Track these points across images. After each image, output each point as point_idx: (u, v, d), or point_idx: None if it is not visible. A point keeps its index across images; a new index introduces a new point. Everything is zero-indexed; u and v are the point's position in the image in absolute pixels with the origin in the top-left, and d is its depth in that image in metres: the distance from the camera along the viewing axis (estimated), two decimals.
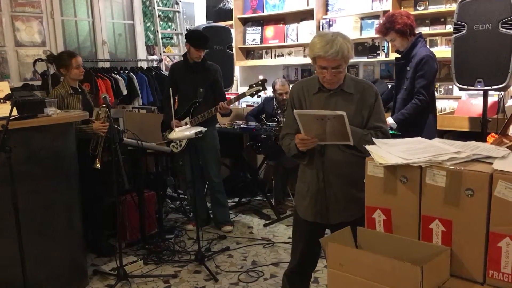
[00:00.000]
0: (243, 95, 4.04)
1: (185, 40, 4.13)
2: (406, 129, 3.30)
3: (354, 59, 5.15)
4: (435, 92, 3.60)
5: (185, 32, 5.72)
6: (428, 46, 4.52)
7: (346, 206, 2.23)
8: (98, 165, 3.50)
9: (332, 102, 2.19)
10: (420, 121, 3.36)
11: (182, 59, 4.28)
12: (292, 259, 2.50)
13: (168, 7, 6.28)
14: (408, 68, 3.36)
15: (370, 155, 2.19)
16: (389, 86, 3.99)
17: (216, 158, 4.28)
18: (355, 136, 2.08)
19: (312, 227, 2.32)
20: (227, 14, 6.05)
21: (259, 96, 4.06)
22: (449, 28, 4.27)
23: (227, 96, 4.42)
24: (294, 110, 2.05)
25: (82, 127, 3.52)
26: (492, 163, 1.51)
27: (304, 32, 5.41)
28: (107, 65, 5.43)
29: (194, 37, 4.08)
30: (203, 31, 5.17)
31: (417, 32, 3.47)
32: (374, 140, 1.87)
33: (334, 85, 2.18)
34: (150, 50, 6.09)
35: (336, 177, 2.22)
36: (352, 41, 2.16)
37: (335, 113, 1.96)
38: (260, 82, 3.94)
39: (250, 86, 3.97)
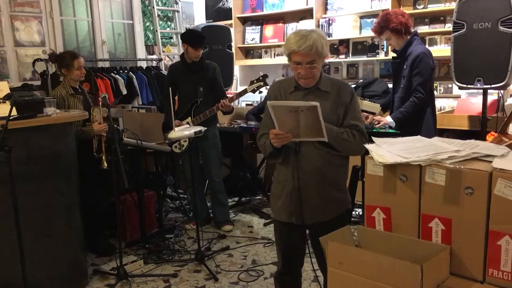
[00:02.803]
0: (245, 91, 4.03)
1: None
2: (404, 127, 3.31)
3: (353, 58, 5.16)
4: (434, 90, 3.60)
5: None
6: (427, 45, 4.53)
7: (321, 205, 2.23)
8: (106, 165, 3.50)
9: (308, 99, 2.17)
10: (418, 118, 3.36)
11: (179, 59, 4.28)
12: (278, 262, 2.49)
13: (168, 6, 6.28)
14: (405, 67, 3.37)
15: (344, 153, 2.20)
16: (389, 86, 3.99)
17: (217, 158, 4.28)
18: (331, 134, 2.08)
19: (288, 227, 2.31)
20: (227, 14, 6.05)
21: (260, 92, 4.05)
22: (449, 26, 4.27)
23: (227, 95, 4.42)
24: (268, 102, 2.04)
25: (83, 129, 3.53)
26: (491, 162, 1.51)
27: None
28: (107, 64, 5.42)
29: (191, 36, 4.08)
30: (203, 31, 5.18)
31: (413, 30, 3.48)
32: (374, 139, 1.87)
33: (309, 82, 2.18)
34: (149, 49, 6.09)
35: (311, 176, 2.20)
36: (327, 39, 2.17)
37: (308, 103, 1.96)
38: (261, 77, 3.94)
39: (251, 82, 3.96)
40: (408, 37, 3.39)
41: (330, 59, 5.33)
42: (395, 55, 3.52)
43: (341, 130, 2.16)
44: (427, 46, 4.54)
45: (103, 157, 3.52)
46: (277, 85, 2.34)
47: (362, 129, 2.21)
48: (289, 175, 2.23)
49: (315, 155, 2.18)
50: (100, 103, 3.45)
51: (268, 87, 4.26)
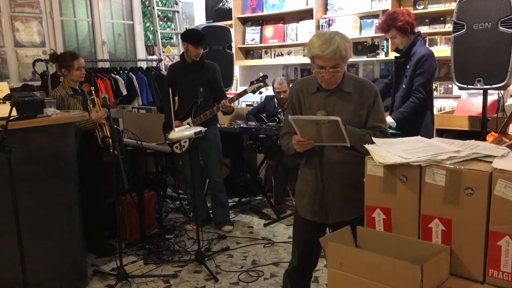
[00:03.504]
0: (245, 92, 4.03)
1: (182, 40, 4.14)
2: (403, 127, 3.31)
3: (353, 59, 5.15)
4: (433, 91, 3.61)
5: None
6: (427, 45, 4.53)
7: (344, 206, 2.23)
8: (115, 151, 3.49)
9: (330, 101, 2.19)
10: (417, 119, 3.37)
11: (179, 59, 4.28)
12: (292, 258, 2.50)
13: (168, 7, 6.28)
14: (408, 66, 3.37)
15: (369, 154, 2.20)
16: (383, 83, 3.99)
17: (217, 158, 4.28)
18: (353, 137, 2.07)
19: (311, 225, 2.32)
20: (227, 14, 6.05)
21: (260, 93, 4.05)
22: (449, 27, 4.27)
23: (227, 96, 4.42)
24: (289, 117, 2.03)
25: (81, 123, 3.50)
26: (491, 162, 1.51)
27: (304, 31, 5.41)
28: (107, 65, 5.43)
29: (191, 35, 4.08)
30: (203, 31, 5.18)
31: (416, 31, 3.48)
32: (374, 139, 1.87)
33: (331, 85, 2.17)
34: (149, 50, 6.09)
35: (334, 177, 2.21)
36: (350, 40, 2.14)
37: (329, 118, 1.95)
38: (261, 78, 3.94)
39: (251, 83, 3.96)
40: (412, 37, 3.39)
41: None
42: (397, 54, 3.51)
43: (363, 133, 2.15)
44: (427, 46, 4.55)
45: (110, 144, 3.49)
46: (300, 83, 2.32)
47: (384, 130, 2.19)
48: (312, 176, 2.25)
49: (338, 157, 2.18)
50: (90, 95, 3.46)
51: (268, 88, 4.28)
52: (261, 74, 4.01)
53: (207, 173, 4.32)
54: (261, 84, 3.91)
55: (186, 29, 6.07)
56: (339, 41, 2.04)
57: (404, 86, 3.39)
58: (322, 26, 5.21)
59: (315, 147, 2.18)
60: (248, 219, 4.69)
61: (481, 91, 3.51)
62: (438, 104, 4.56)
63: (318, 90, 2.22)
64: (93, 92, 3.56)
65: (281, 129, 2.40)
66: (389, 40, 3.58)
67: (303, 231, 2.39)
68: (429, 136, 3.40)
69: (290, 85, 4.64)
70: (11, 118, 2.56)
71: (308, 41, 2.14)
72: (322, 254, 2.45)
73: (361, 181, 2.26)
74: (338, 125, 1.92)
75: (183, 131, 3.43)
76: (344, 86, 2.18)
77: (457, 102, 4.35)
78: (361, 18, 4.98)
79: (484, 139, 3.17)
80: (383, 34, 3.57)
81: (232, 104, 4.06)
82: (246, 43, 5.97)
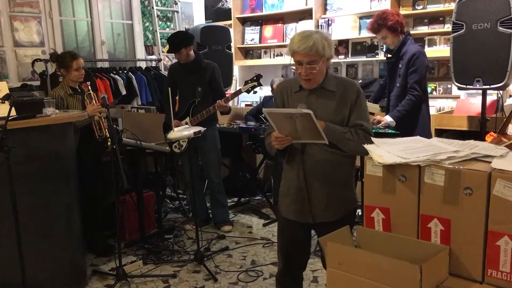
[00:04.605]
0: (239, 91, 4.03)
1: None
2: (401, 125, 3.34)
3: (353, 59, 5.16)
4: (427, 88, 3.66)
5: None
6: (426, 45, 4.55)
7: (327, 205, 2.23)
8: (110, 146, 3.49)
9: (312, 99, 2.19)
10: (414, 116, 3.41)
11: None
12: (279, 261, 2.48)
13: (167, 7, 6.28)
14: (400, 65, 3.43)
15: (349, 152, 2.20)
16: (378, 85, 4.01)
17: (216, 158, 4.27)
18: (333, 134, 2.09)
19: (294, 226, 2.31)
20: (226, 14, 6.05)
21: (255, 92, 4.05)
22: (448, 27, 4.28)
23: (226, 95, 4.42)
24: (263, 109, 2.07)
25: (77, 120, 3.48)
26: (490, 162, 1.51)
27: None
28: (106, 65, 5.43)
29: (168, 42, 4.12)
30: (202, 31, 5.19)
31: (406, 30, 3.54)
32: (373, 139, 1.87)
33: (310, 84, 2.17)
34: (149, 50, 6.09)
35: (316, 176, 2.20)
36: (332, 41, 2.16)
37: (301, 111, 1.95)
38: (255, 77, 3.92)
39: (246, 83, 3.96)
40: (402, 36, 3.46)
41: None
42: (389, 55, 3.57)
43: (344, 130, 2.15)
44: (426, 46, 4.56)
45: (108, 138, 3.49)
46: (285, 82, 2.37)
47: (367, 128, 2.19)
48: (294, 174, 2.25)
49: (320, 155, 2.18)
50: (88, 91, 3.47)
51: (262, 87, 4.28)
52: (256, 73, 4.01)
53: (206, 173, 4.32)
54: (255, 83, 3.90)
55: (185, 29, 6.08)
56: (317, 38, 2.08)
57: (398, 85, 3.46)
58: (321, 26, 5.22)
59: (297, 145, 2.18)
60: (247, 219, 4.69)
61: (480, 91, 3.51)
62: (437, 104, 4.57)
63: (301, 88, 2.23)
64: (89, 87, 3.55)
65: (267, 129, 2.40)
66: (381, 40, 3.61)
67: (286, 232, 2.38)
68: (427, 132, 3.43)
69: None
70: (10, 118, 2.56)
71: (290, 38, 2.18)
72: (319, 254, 2.46)
73: (345, 181, 2.28)
74: (311, 118, 1.92)
75: (183, 131, 3.43)
76: (327, 84, 2.19)
77: (456, 102, 4.36)
78: (360, 18, 4.99)
79: (483, 139, 3.18)
80: (374, 35, 3.61)
81: (229, 103, 4.06)
82: (245, 43, 5.98)
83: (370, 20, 3.62)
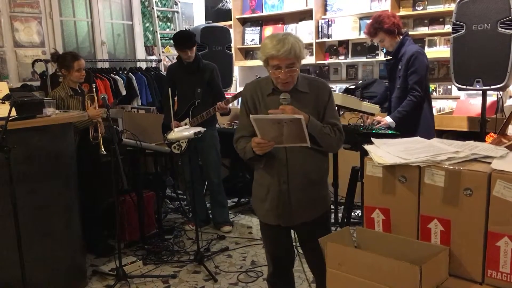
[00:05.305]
0: (240, 94, 4.02)
1: None
2: (403, 125, 3.33)
3: (353, 59, 5.16)
4: (429, 88, 3.63)
5: None
6: (426, 46, 4.55)
7: (307, 206, 2.23)
8: (104, 151, 3.50)
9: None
10: (416, 116, 3.38)
11: (177, 60, 4.27)
12: (268, 265, 2.48)
13: (167, 7, 6.28)
14: (400, 67, 3.41)
15: (326, 148, 2.20)
16: (384, 86, 4.01)
17: (216, 159, 4.27)
18: (315, 128, 2.08)
19: (276, 230, 2.31)
20: (226, 14, 6.05)
21: None
22: (448, 28, 4.28)
23: (226, 96, 4.42)
24: (250, 116, 2.00)
25: (78, 120, 3.48)
26: (490, 163, 1.51)
27: (303, 32, 5.41)
28: (106, 65, 5.43)
29: (175, 39, 4.07)
30: (202, 32, 5.18)
31: (404, 31, 3.51)
32: (373, 140, 1.87)
33: (288, 86, 2.15)
34: (149, 50, 6.09)
35: (297, 177, 2.19)
36: (303, 42, 2.15)
37: (292, 117, 1.93)
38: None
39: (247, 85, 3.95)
40: (400, 38, 3.42)
41: (330, 60, 5.34)
42: (389, 57, 3.55)
43: (324, 125, 2.16)
44: (426, 47, 4.56)
45: (101, 143, 3.51)
46: (253, 85, 2.29)
47: (340, 127, 2.23)
48: (274, 179, 2.22)
49: (302, 157, 2.18)
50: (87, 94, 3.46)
51: None
52: (257, 76, 4.01)
53: (206, 173, 4.32)
54: None
55: (185, 29, 6.08)
56: (292, 40, 2.06)
57: (398, 86, 3.42)
58: (321, 26, 5.22)
59: (280, 150, 2.15)
60: (247, 219, 4.68)
61: (480, 92, 3.51)
62: (437, 105, 4.57)
63: (274, 91, 2.19)
64: (94, 89, 3.55)
65: (235, 133, 2.33)
66: (379, 43, 3.59)
67: (269, 237, 2.38)
68: (430, 132, 3.41)
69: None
70: (10, 118, 2.56)
71: (261, 44, 2.14)
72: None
73: (322, 179, 2.29)
74: (300, 123, 1.91)
75: (182, 132, 3.43)
76: (299, 86, 2.19)
77: (456, 103, 4.36)
78: (361, 19, 4.99)
79: (483, 140, 3.18)
80: (371, 39, 3.59)
81: (229, 105, 4.06)
82: (245, 44, 5.98)
83: (367, 23, 3.60)
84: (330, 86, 2.49)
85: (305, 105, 2.15)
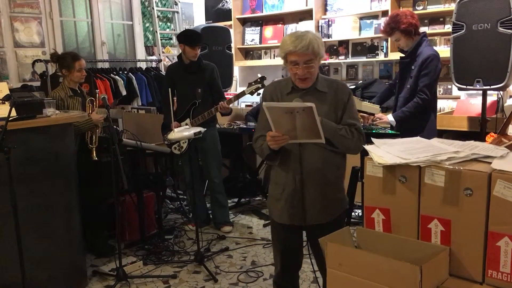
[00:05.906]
0: (243, 93, 4.02)
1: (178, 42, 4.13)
2: (407, 128, 3.29)
3: (353, 59, 5.16)
4: (437, 93, 3.60)
5: None
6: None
7: (322, 207, 2.23)
8: (95, 157, 3.54)
9: (306, 100, 2.17)
10: (422, 120, 3.35)
11: (178, 60, 4.27)
12: (276, 264, 2.47)
13: (167, 7, 6.28)
14: (413, 67, 3.34)
15: (343, 150, 2.20)
16: (387, 85, 3.99)
17: (216, 159, 4.27)
18: (330, 130, 2.08)
19: (289, 231, 2.31)
20: (226, 15, 6.05)
21: (258, 94, 4.05)
22: (448, 28, 4.28)
23: (226, 96, 4.42)
24: (263, 103, 2.02)
25: (80, 124, 3.49)
26: (491, 163, 1.51)
27: None
28: (106, 65, 5.43)
29: (187, 35, 4.07)
30: (202, 32, 5.18)
31: (422, 32, 3.45)
32: (373, 140, 1.87)
33: (306, 83, 2.17)
34: (149, 50, 6.09)
35: (313, 177, 2.19)
36: (322, 40, 2.17)
37: (304, 104, 1.93)
38: (259, 79, 3.92)
39: (249, 84, 3.95)
40: (418, 38, 3.36)
41: (330, 60, 5.34)
42: (402, 54, 3.48)
43: (339, 127, 2.16)
44: (432, 47, 4.54)
45: (94, 149, 3.55)
46: (273, 86, 2.32)
47: (359, 128, 2.22)
48: (289, 177, 2.22)
49: (317, 155, 2.18)
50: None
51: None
52: (259, 76, 4.01)
53: (206, 173, 4.32)
54: (259, 85, 3.90)
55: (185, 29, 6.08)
56: (311, 37, 2.08)
57: (408, 86, 3.36)
58: (321, 26, 5.22)
59: (293, 146, 2.16)
60: (248, 219, 4.69)
61: (481, 91, 3.51)
62: (438, 104, 4.56)
63: (293, 90, 2.21)
64: (96, 91, 3.57)
65: (254, 133, 2.35)
66: (393, 41, 3.54)
67: (281, 238, 2.38)
68: (434, 133, 3.39)
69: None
70: (10, 119, 2.56)
71: (281, 41, 2.17)
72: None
73: (338, 181, 2.28)
74: (312, 113, 1.89)
75: (183, 132, 3.43)
76: (319, 85, 2.20)
77: (456, 102, 4.36)
78: (361, 18, 4.99)
79: (483, 140, 3.18)
80: (387, 37, 3.53)
81: (230, 105, 4.06)
82: (245, 44, 5.98)
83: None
84: None
85: (323, 105, 2.15)
